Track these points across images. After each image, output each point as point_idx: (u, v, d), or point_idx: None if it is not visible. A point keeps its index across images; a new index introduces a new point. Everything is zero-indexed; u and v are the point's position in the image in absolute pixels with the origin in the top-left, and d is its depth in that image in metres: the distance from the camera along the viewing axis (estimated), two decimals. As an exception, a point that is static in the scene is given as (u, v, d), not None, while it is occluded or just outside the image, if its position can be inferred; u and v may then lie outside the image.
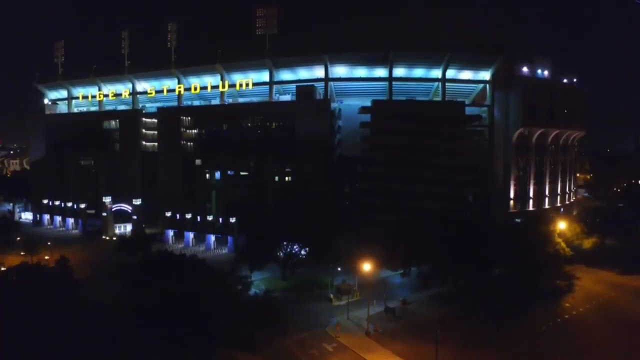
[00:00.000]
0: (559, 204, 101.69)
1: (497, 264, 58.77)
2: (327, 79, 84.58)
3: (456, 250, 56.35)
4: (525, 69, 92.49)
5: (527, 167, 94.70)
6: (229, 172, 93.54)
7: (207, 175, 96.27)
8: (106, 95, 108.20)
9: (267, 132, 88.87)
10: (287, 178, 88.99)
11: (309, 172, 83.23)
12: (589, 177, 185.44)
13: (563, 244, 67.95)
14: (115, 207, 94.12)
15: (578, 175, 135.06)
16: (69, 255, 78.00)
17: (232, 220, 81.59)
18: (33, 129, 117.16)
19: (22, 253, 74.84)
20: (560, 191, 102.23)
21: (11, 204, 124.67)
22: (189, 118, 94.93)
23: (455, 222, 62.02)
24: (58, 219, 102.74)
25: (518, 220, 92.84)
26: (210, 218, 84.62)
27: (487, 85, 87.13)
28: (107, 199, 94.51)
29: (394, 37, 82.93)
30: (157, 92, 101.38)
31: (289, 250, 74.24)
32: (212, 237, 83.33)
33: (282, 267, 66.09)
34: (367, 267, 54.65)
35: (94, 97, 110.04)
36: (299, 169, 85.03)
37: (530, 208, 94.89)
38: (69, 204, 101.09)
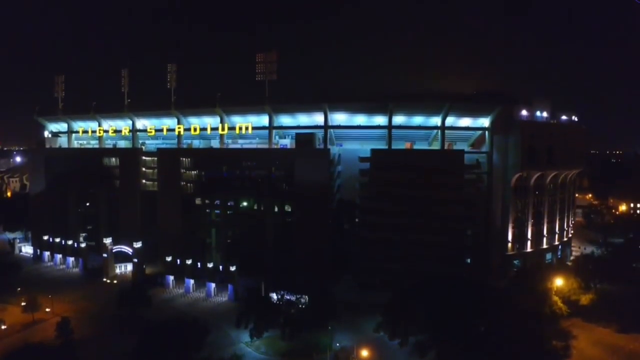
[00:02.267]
0: (557, 242, 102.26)
1: (493, 334, 59.38)
2: (326, 127, 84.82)
3: (450, 321, 57.21)
4: (524, 112, 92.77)
5: (525, 208, 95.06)
6: (228, 213, 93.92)
7: (207, 216, 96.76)
8: (106, 131, 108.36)
9: (266, 177, 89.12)
10: (286, 220, 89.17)
11: (308, 217, 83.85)
12: (588, 197, 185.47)
13: (560, 303, 68.49)
14: (116, 249, 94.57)
15: (577, 195, 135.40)
16: (70, 306, 79.48)
17: (232, 268, 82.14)
18: (33, 162, 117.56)
19: (23, 303, 75.20)
20: (559, 229, 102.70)
21: (12, 234, 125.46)
22: (189, 159, 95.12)
23: (449, 288, 62.54)
24: (59, 256, 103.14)
25: (516, 262, 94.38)
26: (210, 265, 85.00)
27: (487, 131, 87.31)
28: (107, 240, 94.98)
29: (393, 88, 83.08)
30: (156, 130, 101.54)
31: (287, 301, 75.85)
32: (213, 285, 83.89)
33: (282, 329, 66.49)
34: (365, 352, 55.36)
35: (94, 132, 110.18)
36: (299, 214, 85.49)
37: (528, 249, 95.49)
38: (70, 242, 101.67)
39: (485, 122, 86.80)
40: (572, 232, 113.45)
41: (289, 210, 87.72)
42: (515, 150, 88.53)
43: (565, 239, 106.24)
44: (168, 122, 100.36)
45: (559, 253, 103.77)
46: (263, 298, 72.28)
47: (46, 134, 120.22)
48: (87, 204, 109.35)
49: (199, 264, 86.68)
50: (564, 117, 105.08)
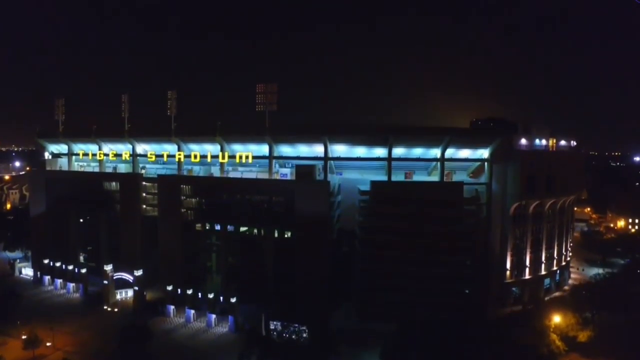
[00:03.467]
0: (555, 267, 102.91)
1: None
2: (326, 158, 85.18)
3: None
4: (523, 140, 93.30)
5: (524, 236, 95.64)
6: (228, 241, 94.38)
7: (207, 243, 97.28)
8: (106, 155, 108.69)
9: (267, 205, 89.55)
10: (286, 249, 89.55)
11: (308, 247, 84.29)
12: (587, 210, 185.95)
13: (557, 342, 69.11)
14: (117, 276, 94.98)
15: (576, 209, 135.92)
16: (71, 339, 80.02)
17: (233, 300, 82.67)
18: (34, 184, 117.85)
19: (23, 337, 75.40)
20: (557, 254, 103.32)
21: (11, 253, 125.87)
22: (189, 187, 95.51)
23: (448, 330, 63.25)
24: (59, 281, 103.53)
25: (515, 290, 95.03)
26: (211, 296, 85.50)
27: (486, 162, 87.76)
28: (108, 267, 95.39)
29: (393, 121, 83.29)
30: (157, 156, 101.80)
31: (287, 331, 76.97)
32: (213, 316, 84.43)
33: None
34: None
35: (94, 155, 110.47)
36: (299, 244, 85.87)
37: (527, 276, 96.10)
38: (70, 267, 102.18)
39: (484, 153, 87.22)
40: (570, 254, 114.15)
41: (289, 239, 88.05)
42: (514, 179, 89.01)
43: (563, 263, 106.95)
44: (168, 148, 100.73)
45: (557, 277, 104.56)
46: (264, 337, 72.82)
47: (46, 155, 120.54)
48: (88, 228, 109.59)
49: (199, 294, 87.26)
50: (562, 142, 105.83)
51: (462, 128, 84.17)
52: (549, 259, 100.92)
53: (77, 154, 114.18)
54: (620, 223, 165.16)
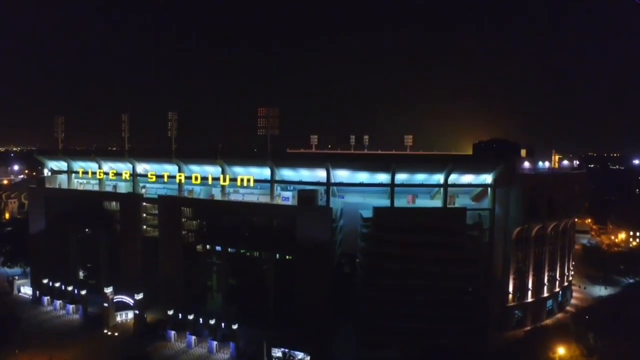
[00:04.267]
0: (557, 289, 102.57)
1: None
2: (329, 184, 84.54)
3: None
4: (526, 163, 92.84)
5: (526, 259, 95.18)
6: (229, 264, 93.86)
7: (208, 266, 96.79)
8: (106, 173, 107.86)
9: (268, 230, 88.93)
10: (288, 273, 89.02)
11: (309, 272, 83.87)
12: (587, 221, 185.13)
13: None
14: (117, 299, 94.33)
15: (576, 220, 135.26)
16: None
17: (234, 326, 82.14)
18: (33, 201, 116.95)
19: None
20: (559, 275, 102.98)
21: (10, 269, 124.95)
22: (190, 209, 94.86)
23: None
24: (58, 301, 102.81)
25: (517, 312, 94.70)
26: (212, 322, 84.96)
27: (489, 188, 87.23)
28: (108, 290, 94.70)
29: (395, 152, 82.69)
30: (157, 176, 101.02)
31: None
32: (215, 342, 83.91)
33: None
34: None
35: (94, 173, 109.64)
36: (300, 268, 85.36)
37: (529, 299, 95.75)
38: (70, 288, 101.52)
39: (487, 178, 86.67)
40: (572, 273, 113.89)
41: (291, 261, 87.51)
42: (517, 203, 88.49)
43: (565, 284, 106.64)
44: (169, 169, 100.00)
45: (560, 298, 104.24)
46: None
47: (46, 172, 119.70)
48: (88, 247, 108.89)
49: (200, 319, 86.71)
50: (565, 163, 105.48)
51: (465, 155, 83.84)
52: (552, 280, 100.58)
53: (77, 172, 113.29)
54: (621, 235, 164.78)
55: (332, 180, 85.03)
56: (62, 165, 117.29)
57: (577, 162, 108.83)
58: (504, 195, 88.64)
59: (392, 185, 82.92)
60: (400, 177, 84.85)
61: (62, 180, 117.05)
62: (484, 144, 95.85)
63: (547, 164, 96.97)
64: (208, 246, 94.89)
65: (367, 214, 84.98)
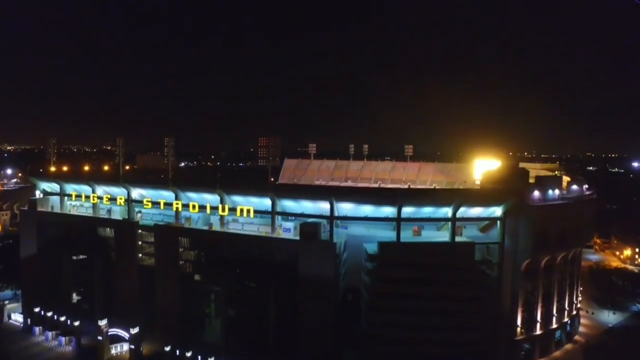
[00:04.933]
0: (566, 319, 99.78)
1: None
2: (332, 217, 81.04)
3: None
4: (536, 192, 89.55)
5: (535, 290, 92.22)
6: (228, 295, 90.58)
7: (207, 297, 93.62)
8: (100, 198, 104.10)
9: (269, 262, 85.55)
10: (289, 308, 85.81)
11: (312, 306, 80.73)
12: (597, 241, 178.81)
13: None
14: (112, 332, 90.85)
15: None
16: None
17: (234, 365, 79.18)
18: (24, 225, 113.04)
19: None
20: (568, 304, 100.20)
21: (1, 292, 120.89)
22: (187, 239, 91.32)
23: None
24: (50, 333, 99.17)
25: (525, 345, 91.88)
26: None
27: (499, 221, 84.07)
28: (102, 322, 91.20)
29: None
30: (153, 203, 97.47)
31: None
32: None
33: None
34: None
35: (87, 197, 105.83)
36: (302, 301, 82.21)
37: (537, 332, 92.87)
38: (62, 318, 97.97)
39: (497, 211, 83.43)
40: (580, 298, 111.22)
41: (293, 294, 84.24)
42: (527, 235, 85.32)
43: (574, 312, 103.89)
44: (166, 195, 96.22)
45: (568, 328, 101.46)
46: None
47: (37, 193, 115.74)
48: (82, 275, 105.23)
49: (199, 357, 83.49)
50: (574, 187, 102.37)
51: (474, 190, 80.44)
52: (560, 310, 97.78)
53: (70, 195, 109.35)
54: (627, 252, 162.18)
55: (336, 213, 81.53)
56: (54, 187, 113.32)
57: (587, 186, 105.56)
58: (513, 227, 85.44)
59: (398, 219, 79.59)
60: (407, 210, 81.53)
61: (54, 202, 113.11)
62: (494, 170, 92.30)
63: (557, 191, 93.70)
64: (207, 280, 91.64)
65: (372, 248, 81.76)
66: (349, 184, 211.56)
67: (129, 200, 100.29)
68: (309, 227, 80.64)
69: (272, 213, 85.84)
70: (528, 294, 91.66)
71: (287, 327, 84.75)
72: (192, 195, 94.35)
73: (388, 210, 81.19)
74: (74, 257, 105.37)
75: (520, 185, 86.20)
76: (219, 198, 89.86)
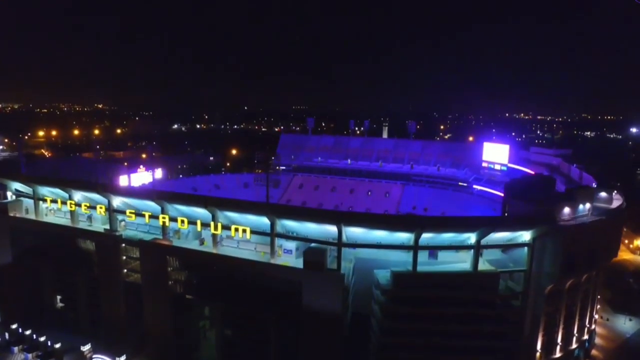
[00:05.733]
0: (585, 336, 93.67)
1: None
2: (340, 244, 71.39)
3: None
4: (566, 209, 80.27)
5: (556, 313, 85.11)
6: (224, 317, 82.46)
7: (200, 321, 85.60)
8: (78, 205, 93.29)
9: (268, 289, 76.68)
10: (291, 339, 78.10)
11: (316, 336, 72.93)
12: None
13: None
14: (97, 358, 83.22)
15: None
16: None
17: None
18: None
19: None
20: (588, 321, 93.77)
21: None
22: (176, 258, 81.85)
23: None
24: (30, 355, 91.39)
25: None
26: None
27: (526, 247, 75.12)
28: (86, 347, 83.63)
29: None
30: (137, 214, 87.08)
31: None
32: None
33: None
34: None
35: (64, 202, 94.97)
36: (306, 332, 74.36)
37: (557, 354, 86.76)
38: (42, 339, 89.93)
39: (526, 235, 74.28)
40: (598, 307, 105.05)
41: (294, 327, 76.22)
42: (554, 258, 76.80)
43: (593, 327, 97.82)
44: (151, 206, 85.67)
45: (587, 344, 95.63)
46: None
47: (9, 195, 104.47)
48: (64, 290, 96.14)
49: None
50: (603, 195, 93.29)
51: (501, 217, 70.77)
52: (581, 328, 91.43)
53: (44, 200, 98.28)
54: (637, 242, 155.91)
55: (345, 239, 71.85)
56: (27, 188, 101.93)
57: (615, 192, 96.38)
58: (539, 250, 76.90)
59: (415, 247, 70.26)
60: (426, 236, 72.04)
61: (29, 205, 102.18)
62: (517, 182, 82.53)
63: (587, 205, 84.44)
64: (200, 303, 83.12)
65: (384, 276, 73.03)
66: (349, 163, 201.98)
67: (110, 210, 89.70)
68: (313, 255, 71.21)
69: (272, 235, 76.02)
70: (549, 317, 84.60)
71: (289, 352, 77.43)
72: (181, 207, 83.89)
73: (404, 236, 71.65)
74: (55, 272, 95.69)
75: (551, 206, 76.75)
76: (210, 215, 79.60)
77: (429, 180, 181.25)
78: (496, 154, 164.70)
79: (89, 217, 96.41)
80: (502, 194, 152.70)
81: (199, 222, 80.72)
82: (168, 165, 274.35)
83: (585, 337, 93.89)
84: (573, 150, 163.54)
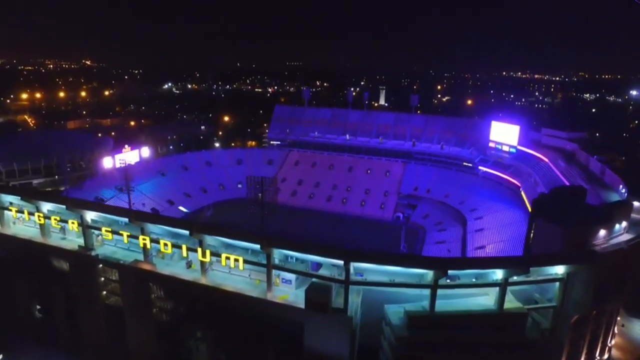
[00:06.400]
0: (606, 355, 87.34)
1: None
2: (348, 282, 61.94)
3: None
4: (602, 232, 70.95)
5: (580, 339, 77.99)
6: (216, 347, 74.50)
7: (190, 344, 77.29)
8: (47, 217, 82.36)
9: (264, 326, 68.02)
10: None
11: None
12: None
13: None
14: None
15: None
16: None
17: None
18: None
19: None
20: (610, 339, 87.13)
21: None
22: (159, 287, 72.49)
23: None
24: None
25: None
26: None
27: (558, 282, 66.20)
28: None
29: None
30: (113, 233, 76.60)
31: None
32: None
33: None
34: None
35: (31, 214, 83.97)
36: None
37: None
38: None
39: (559, 269, 65.15)
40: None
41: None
42: (586, 288, 68.48)
43: (612, 342, 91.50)
44: (130, 225, 75.09)
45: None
46: None
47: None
48: (42, 309, 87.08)
49: None
50: (636, 204, 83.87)
51: (537, 257, 61.15)
52: (602, 350, 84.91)
53: (8, 209, 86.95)
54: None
55: (353, 271, 62.30)
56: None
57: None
58: (570, 281, 68.22)
59: (434, 286, 61.04)
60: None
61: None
62: (548, 199, 72.53)
63: (624, 224, 75.11)
64: (188, 332, 74.59)
65: (397, 315, 64.18)
66: (347, 139, 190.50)
67: (83, 225, 78.94)
68: (316, 294, 61.95)
69: (268, 266, 66.26)
70: (573, 344, 77.50)
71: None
72: (164, 227, 73.38)
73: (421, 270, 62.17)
74: (31, 289, 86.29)
75: (587, 230, 67.23)
76: (197, 240, 69.31)
77: (431, 158, 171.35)
78: (505, 134, 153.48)
79: (62, 229, 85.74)
80: (510, 178, 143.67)
81: (184, 247, 70.54)
82: (157, 136, 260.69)
83: (606, 356, 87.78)
84: (575, 117, 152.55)
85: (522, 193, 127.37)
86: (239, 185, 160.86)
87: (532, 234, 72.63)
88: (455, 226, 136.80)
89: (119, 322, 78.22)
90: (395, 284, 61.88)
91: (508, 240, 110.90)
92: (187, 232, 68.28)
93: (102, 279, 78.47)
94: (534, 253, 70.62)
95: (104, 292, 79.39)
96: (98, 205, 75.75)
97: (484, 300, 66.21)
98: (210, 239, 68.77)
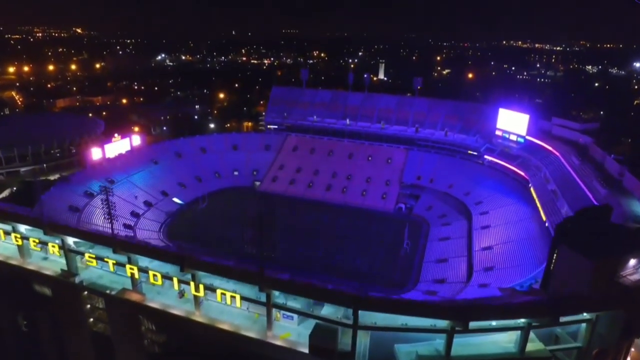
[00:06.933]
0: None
1: None
2: (356, 326, 56.13)
3: None
4: (632, 262, 64.93)
5: (600, 368, 73.65)
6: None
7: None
8: (26, 238, 75.60)
9: (265, 364, 62.81)
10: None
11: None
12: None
13: None
14: None
15: None
16: None
17: None
18: None
19: None
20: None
21: None
22: (149, 320, 66.77)
23: None
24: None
25: None
26: None
27: (585, 323, 60.68)
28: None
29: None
30: (98, 259, 70.08)
31: None
32: None
33: None
34: None
35: (7, 234, 77.15)
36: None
37: (594, 407, 76.77)
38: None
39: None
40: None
41: None
42: (612, 324, 63.14)
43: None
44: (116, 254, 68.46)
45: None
46: None
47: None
48: (28, 334, 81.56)
49: None
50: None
51: (572, 303, 55.08)
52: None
53: (-16, 228, 79.93)
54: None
55: (361, 322, 56.40)
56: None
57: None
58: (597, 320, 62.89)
59: (451, 331, 55.43)
60: (463, 317, 56.75)
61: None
62: (573, 224, 65.98)
63: (654, 250, 69.04)
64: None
65: (406, 354, 58.78)
66: (348, 123, 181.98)
67: (65, 249, 72.34)
68: (321, 339, 56.33)
69: (268, 305, 60.27)
70: (591, 374, 73.28)
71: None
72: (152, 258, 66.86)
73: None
74: (16, 312, 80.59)
75: (616, 259, 61.15)
76: (190, 275, 62.97)
77: (435, 145, 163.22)
78: (513, 123, 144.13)
79: (43, 249, 79.18)
80: (517, 170, 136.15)
81: (175, 280, 64.30)
82: (150, 116, 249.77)
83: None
84: (579, 93, 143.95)
85: (532, 189, 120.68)
86: (235, 173, 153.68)
87: (553, 263, 66.49)
88: (460, 220, 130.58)
89: (108, 349, 73.22)
90: (407, 328, 56.19)
91: (516, 240, 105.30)
92: (177, 267, 61.83)
93: (88, 306, 72.72)
94: (556, 282, 64.86)
95: (91, 319, 73.82)
96: (79, 231, 68.64)
97: (503, 339, 60.87)
98: (203, 276, 62.43)
